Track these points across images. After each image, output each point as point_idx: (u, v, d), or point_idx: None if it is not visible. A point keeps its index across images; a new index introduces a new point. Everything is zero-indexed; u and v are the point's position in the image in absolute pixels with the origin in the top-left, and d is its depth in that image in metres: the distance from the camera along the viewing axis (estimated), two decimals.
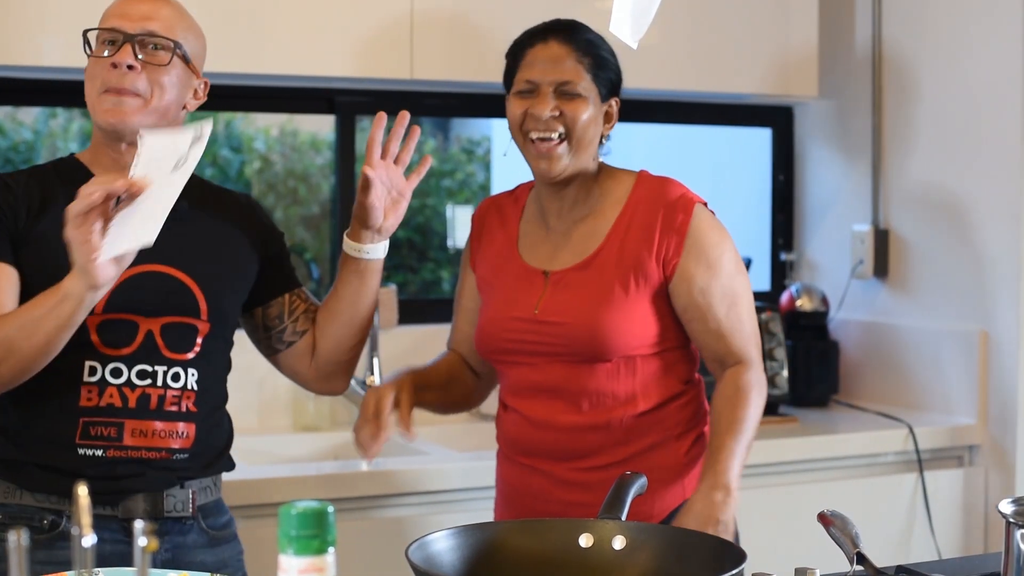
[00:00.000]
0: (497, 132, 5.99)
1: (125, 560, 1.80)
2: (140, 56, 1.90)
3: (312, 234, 5.62)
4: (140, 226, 1.71)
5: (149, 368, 1.92)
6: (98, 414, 1.89)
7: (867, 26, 3.50)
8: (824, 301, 3.54)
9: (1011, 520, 1.53)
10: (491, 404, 3.24)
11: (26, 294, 1.86)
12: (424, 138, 6.62)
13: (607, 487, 2.04)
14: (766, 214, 3.84)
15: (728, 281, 2.11)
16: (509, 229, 2.22)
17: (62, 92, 3.02)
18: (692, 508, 1.96)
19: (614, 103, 2.15)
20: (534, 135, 2.08)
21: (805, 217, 3.78)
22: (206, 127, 1.75)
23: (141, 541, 0.97)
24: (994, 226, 3.18)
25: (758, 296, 3.70)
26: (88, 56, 1.94)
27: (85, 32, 1.95)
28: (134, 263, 1.82)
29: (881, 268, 3.49)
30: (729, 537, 1.96)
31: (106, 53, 1.91)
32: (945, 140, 3.31)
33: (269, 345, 2.14)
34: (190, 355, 1.95)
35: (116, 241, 1.71)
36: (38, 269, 1.86)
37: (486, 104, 3.40)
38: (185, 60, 1.95)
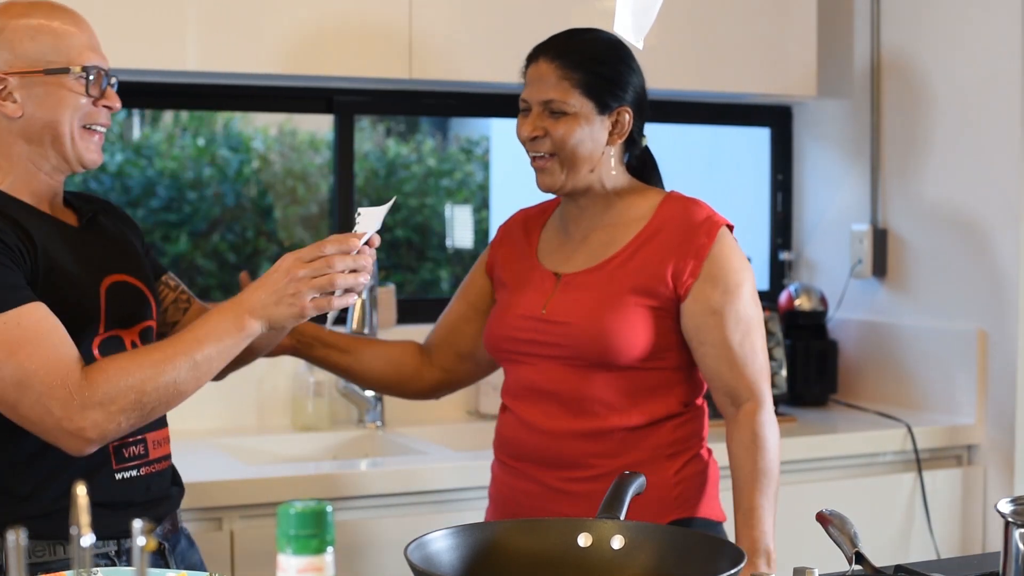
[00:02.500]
0: (496, 132, 5.99)
1: None
2: None
3: (311, 234, 5.62)
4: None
5: None
6: (127, 435, 1.82)
7: (866, 26, 3.50)
8: (823, 301, 3.54)
9: (1010, 520, 1.53)
10: (490, 404, 3.24)
11: None
12: (423, 137, 6.62)
13: (594, 500, 2.06)
14: (765, 213, 3.84)
15: (744, 309, 2.09)
16: (531, 236, 2.25)
17: None
18: None
19: (624, 113, 2.12)
20: (530, 153, 2.13)
21: (804, 217, 3.78)
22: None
23: (140, 541, 0.97)
24: (993, 226, 3.18)
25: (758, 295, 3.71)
26: None
27: None
28: (104, 275, 1.83)
29: (880, 268, 3.49)
30: None
31: None
32: (944, 140, 3.31)
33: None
34: None
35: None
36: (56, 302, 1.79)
37: (485, 104, 3.41)
38: None
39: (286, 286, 1.74)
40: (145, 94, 3.11)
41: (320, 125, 5.61)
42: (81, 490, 0.98)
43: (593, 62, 2.11)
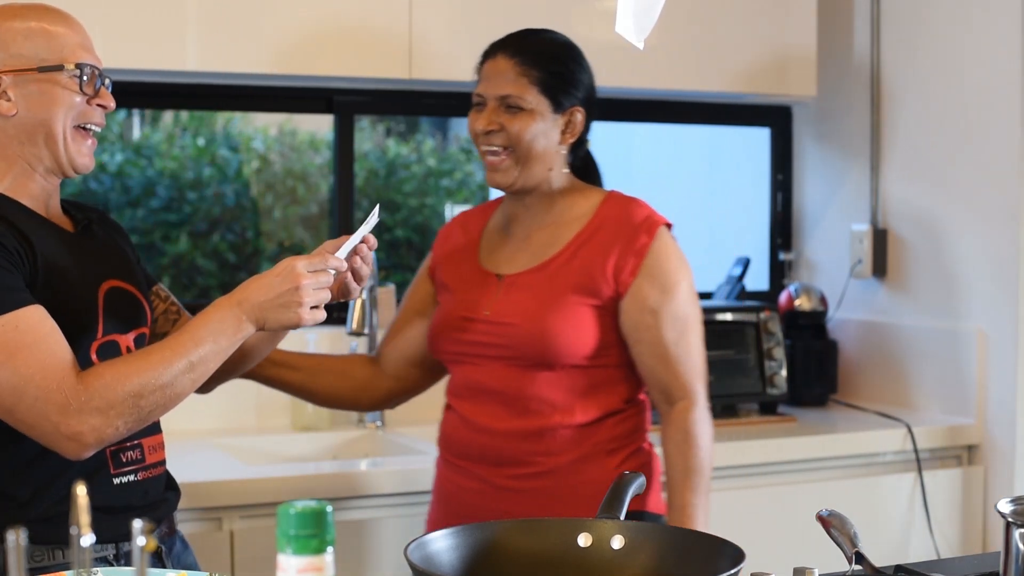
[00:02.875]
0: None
1: None
2: None
3: (311, 234, 5.62)
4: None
5: None
6: (123, 439, 1.80)
7: (865, 26, 3.50)
8: (823, 301, 3.54)
9: (1010, 520, 1.53)
10: None
11: None
12: (423, 137, 6.62)
13: (538, 497, 2.08)
14: (765, 214, 3.84)
15: (681, 308, 2.13)
16: (471, 238, 2.27)
17: None
18: None
19: (576, 113, 2.15)
20: (483, 147, 2.14)
21: (804, 217, 3.78)
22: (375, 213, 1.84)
23: (140, 541, 0.97)
24: (992, 225, 3.18)
25: (758, 296, 3.71)
26: None
27: None
28: (102, 281, 1.83)
29: (880, 268, 3.49)
30: None
31: None
32: (943, 139, 3.31)
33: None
34: None
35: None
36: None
37: None
38: None
39: (290, 293, 1.73)
40: (145, 94, 3.11)
41: (320, 125, 5.61)
42: (81, 490, 0.98)
43: (550, 61, 2.14)
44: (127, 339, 1.86)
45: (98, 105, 1.84)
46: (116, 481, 1.81)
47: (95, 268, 1.85)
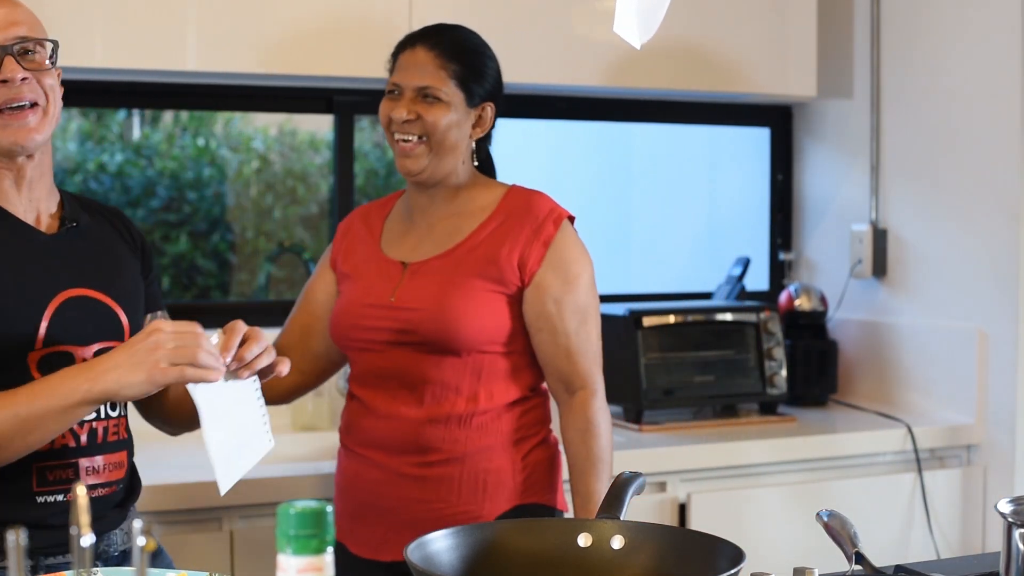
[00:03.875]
0: (496, 131, 5.99)
1: None
2: (23, 65, 1.75)
3: (311, 234, 5.62)
4: (249, 440, 1.74)
5: None
6: (52, 457, 1.75)
7: (866, 25, 3.50)
8: (823, 301, 3.54)
9: (1010, 519, 1.53)
10: None
11: None
12: None
13: (442, 484, 2.10)
14: (765, 214, 3.84)
15: (583, 299, 2.18)
16: (373, 229, 2.29)
17: None
18: None
19: (488, 108, 2.21)
20: (397, 136, 2.18)
21: (804, 217, 3.78)
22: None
23: (140, 541, 0.97)
24: (992, 225, 3.18)
25: (758, 296, 3.71)
26: None
27: None
28: (61, 289, 1.77)
29: (880, 268, 3.49)
30: None
31: None
32: (944, 139, 3.31)
33: None
34: None
35: (235, 463, 1.71)
36: None
37: None
38: (54, 59, 1.81)
39: (144, 349, 1.63)
40: (145, 94, 3.11)
41: (320, 125, 5.60)
42: (81, 490, 0.98)
43: (468, 55, 2.19)
44: (85, 351, 1.78)
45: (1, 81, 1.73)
46: (39, 500, 1.74)
47: (56, 274, 1.79)
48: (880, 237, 3.48)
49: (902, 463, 3.17)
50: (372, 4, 2.93)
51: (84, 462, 1.78)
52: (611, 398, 3.28)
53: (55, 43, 1.81)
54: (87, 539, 0.97)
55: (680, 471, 2.92)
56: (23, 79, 1.75)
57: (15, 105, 1.75)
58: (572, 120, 3.80)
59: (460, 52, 2.19)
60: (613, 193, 4.67)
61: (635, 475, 1.70)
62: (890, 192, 3.49)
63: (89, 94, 3.08)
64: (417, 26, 2.98)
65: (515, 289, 2.15)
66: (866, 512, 2.99)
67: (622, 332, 3.17)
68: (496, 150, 2.33)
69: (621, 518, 1.58)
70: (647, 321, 3.19)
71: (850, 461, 3.13)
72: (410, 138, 2.16)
